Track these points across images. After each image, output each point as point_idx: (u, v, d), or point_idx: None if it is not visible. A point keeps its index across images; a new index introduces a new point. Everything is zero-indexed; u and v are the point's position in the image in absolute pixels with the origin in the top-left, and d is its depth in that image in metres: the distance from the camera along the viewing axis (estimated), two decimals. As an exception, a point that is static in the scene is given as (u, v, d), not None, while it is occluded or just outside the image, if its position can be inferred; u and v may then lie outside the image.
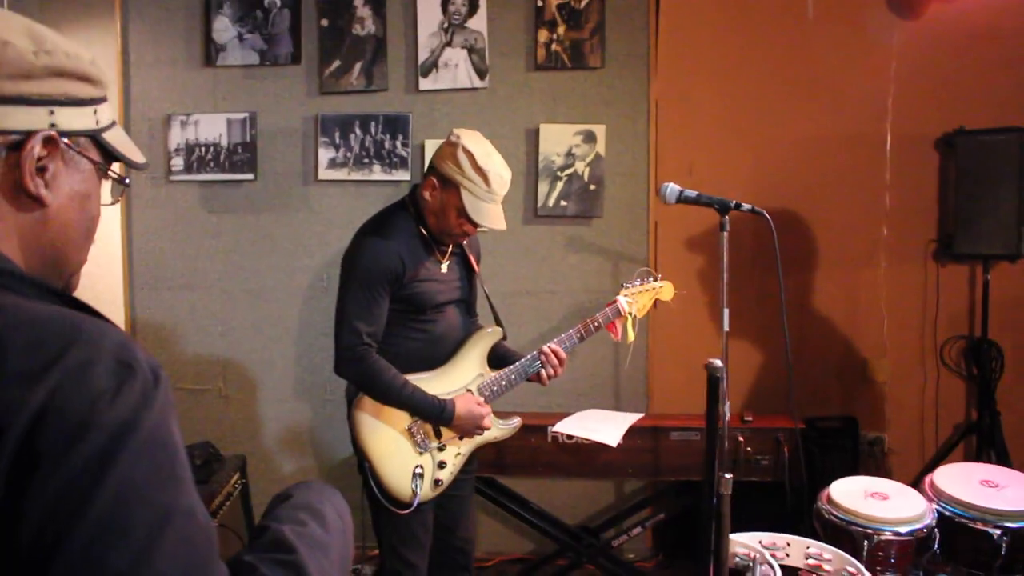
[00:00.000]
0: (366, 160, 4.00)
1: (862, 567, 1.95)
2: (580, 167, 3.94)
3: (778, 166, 4.13)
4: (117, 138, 1.11)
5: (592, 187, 3.95)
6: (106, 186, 1.14)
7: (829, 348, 4.23)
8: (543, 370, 2.82)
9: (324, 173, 4.01)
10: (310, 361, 4.12)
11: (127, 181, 1.15)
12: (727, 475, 2.75)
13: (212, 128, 4.02)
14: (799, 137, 4.13)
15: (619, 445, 3.26)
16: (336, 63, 3.98)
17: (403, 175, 3.97)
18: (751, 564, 2.03)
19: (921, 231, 4.20)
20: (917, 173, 4.17)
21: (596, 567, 3.87)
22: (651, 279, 3.03)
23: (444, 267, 2.75)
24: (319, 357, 4.09)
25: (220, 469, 3.78)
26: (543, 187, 3.95)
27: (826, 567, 2.05)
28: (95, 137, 1.07)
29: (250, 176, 4.04)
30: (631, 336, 2.94)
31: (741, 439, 3.49)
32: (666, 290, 3.03)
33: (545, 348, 2.82)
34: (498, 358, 2.88)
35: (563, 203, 3.96)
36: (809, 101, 4.12)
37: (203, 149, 4.03)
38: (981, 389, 4.16)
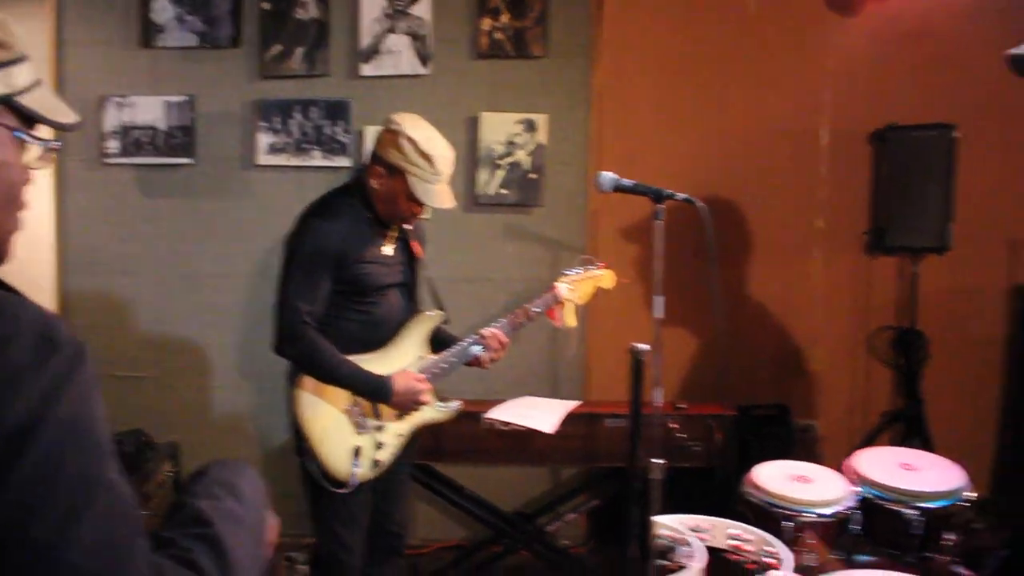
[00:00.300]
0: (306, 146, 3.97)
1: (781, 546, 2.00)
2: (521, 156, 3.96)
3: (718, 158, 4.19)
4: (40, 100, 1.08)
5: (532, 176, 3.97)
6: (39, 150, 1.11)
7: (764, 337, 4.31)
8: (484, 353, 2.83)
9: (264, 158, 3.98)
10: (251, 347, 4.08)
11: (54, 144, 1.13)
12: (658, 460, 2.82)
13: (149, 111, 3.96)
14: (739, 130, 4.20)
15: (554, 432, 3.28)
16: (277, 47, 3.94)
17: (344, 161, 3.95)
18: (673, 545, 2.08)
19: (854, 223, 4.30)
20: (851, 167, 4.27)
21: (531, 553, 3.91)
22: (592, 267, 3.05)
23: (389, 250, 2.77)
24: (260, 343, 4.00)
25: (152, 457, 3.74)
26: (483, 175, 3.97)
27: (747, 547, 2.11)
28: (7, 101, 1.05)
29: (188, 160, 3.98)
30: (572, 322, 2.98)
31: (674, 426, 3.54)
32: (607, 278, 3.06)
33: (485, 331, 2.84)
34: (440, 342, 2.89)
35: (503, 191, 3.98)
36: (749, 94, 4.19)
37: (140, 132, 3.97)
38: (908, 378, 4.28)
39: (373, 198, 2.69)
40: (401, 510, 3.00)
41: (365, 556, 2.91)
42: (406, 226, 2.83)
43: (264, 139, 3.96)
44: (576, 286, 2.97)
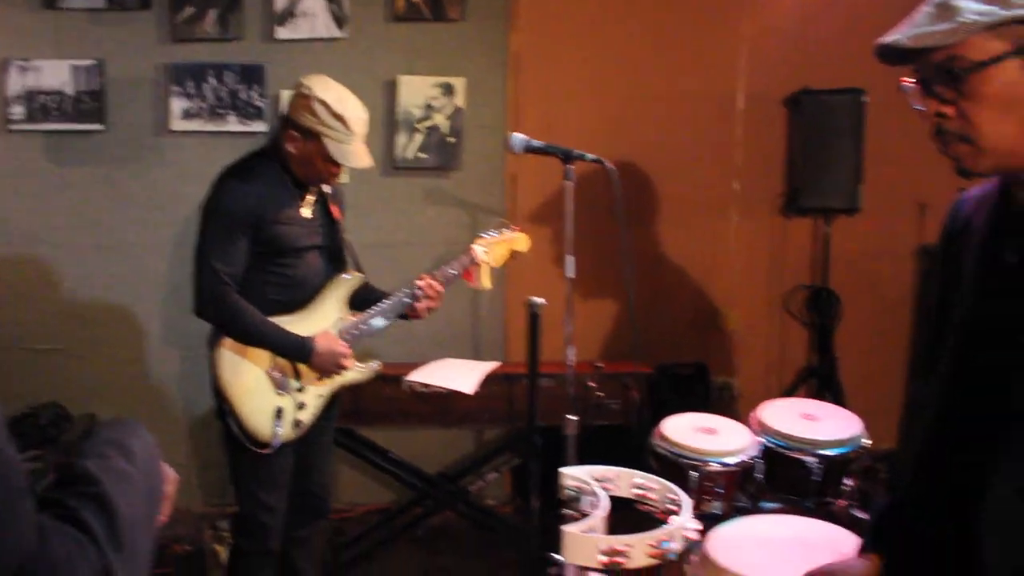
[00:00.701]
0: (221, 111, 3.91)
1: (682, 493, 2.06)
2: (439, 119, 3.96)
3: (636, 121, 4.24)
4: None
5: (451, 140, 3.98)
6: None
7: (682, 298, 4.40)
8: (419, 303, 2.84)
9: (178, 124, 3.90)
10: (172, 316, 4.03)
11: None
12: (572, 416, 2.87)
13: (55, 75, 3.84)
14: (657, 93, 4.25)
15: (475, 393, 3.31)
16: (189, 9, 3.85)
17: (260, 126, 3.90)
18: (579, 495, 2.13)
19: (769, 186, 4.40)
20: (766, 130, 4.36)
21: (456, 513, 3.96)
22: (507, 230, 3.08)
23: (307, 212, 2.77)
24: (180, 311, 3.96)
25: (68, 430, 3.68)
26: (401, 139, 3.96)
27: (651, 496, 2.17)
28: None
29: (99, 126, 3.89)
30: (487, 284, 3.00)
31: (592, 384, 3.60)
32: (521, 241, 3.09)
33: (420, 282, 2.84)
34: (366, 302, 2.90)
35: (421, 155, 3.98)
36: (667, 58, 4.24)
37: (46, 97, 3.85)
38: (821, 336, 4.42)
39: (290, 161, 2.69)
40: (323, 472, 3.01)
41: (288, 518, 2.92)
42: (325, 188, 2.83)
43: (178, 104, 3.88)
44: (491, 249, 3.00)
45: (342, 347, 2.75)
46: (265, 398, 2.69)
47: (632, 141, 4.22)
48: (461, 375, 3.42)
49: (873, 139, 4.08)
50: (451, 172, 4.03)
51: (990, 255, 1.43)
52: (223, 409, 2.68)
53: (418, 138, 3.97)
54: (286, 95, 3.80)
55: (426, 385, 3.57)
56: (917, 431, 1.53)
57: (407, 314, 2.86)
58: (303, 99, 2.63)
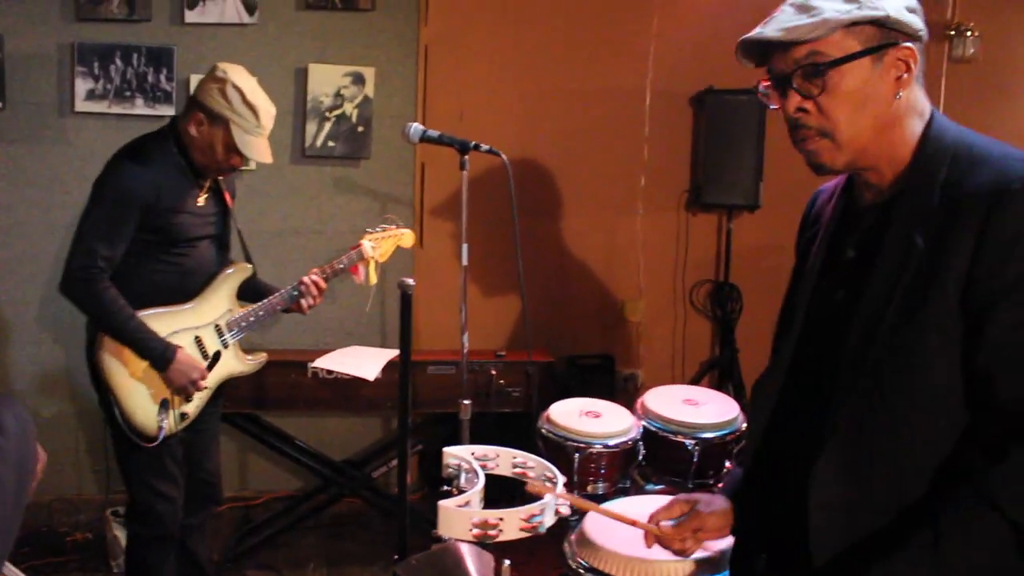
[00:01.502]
0: (128, 93, 3.86)
1: (557, 471, 2.13)
2: (348, 108, 3.98)
3: (546, 115, 4.31)
4: None
5: (360, 129, 4.00)
6: None
7: (589, 290, 4.50)
8: (303, 299, 2.87)
9: (82, 105, 3.84)
10: (65, 300, 3.95)
11: None
12: (465, 401, 2.93)
13: (-49, 50, 3.75)
14: (566, 88, 4.33)
15: (378, 380, 3.34)
16: (95, -12, 3.80)
17: (167, 110, 3.86)
18: (459, 472, 2.18)
19: (675, 182, 4.52)
20: (673, 128, 4.47)
21: (361, 500, 3.99)
22: (394, 226, 3.13)
23: (201, 201, 2.75)
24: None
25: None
26: (311, 127, 3.97)
27: (530, 474, 2.23)
28: None
29: (-3, 103, 3.80)
30: (373, 279, 3.04)
31: (494, 372, 3.68)
32: (407, 238, 3.16)
33: (305, 279, 2.87)
34: (256, 293, 2.91)
35: (331, 144, 3.99)
36: (577, 53, 4.31)
37: (-58, 72, 3.76)
38: (723, 328, 4.56)
39: (190, 146, 2.66)
40: (212, 459, 3.02)
41: (184, 507, 2.91)
42: (220, 177, 2.82)
43: (82, 85, 3.83)
44: (379, 244, 3.05)
45: (200, 370, 2.72)
46: (150, 391, 2.67)
47: (542, 134, 4.30)
48: (364, 362, 3.46)
49: (773, 138, 4.23)
50: (360, 161, 4.05)
51: (833, 249, 1.53)
52: (107, 401, 2.66)
53: (327, 126, 3.98)
54: (195, 79, 3.79)
55: (330, 372, 3.60)
56: (763, 411, 1.62)
57: (290, 308, 2.89)
58: (216, 83, 2.62)
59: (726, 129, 4.30)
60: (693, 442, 2.63)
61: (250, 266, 2.90)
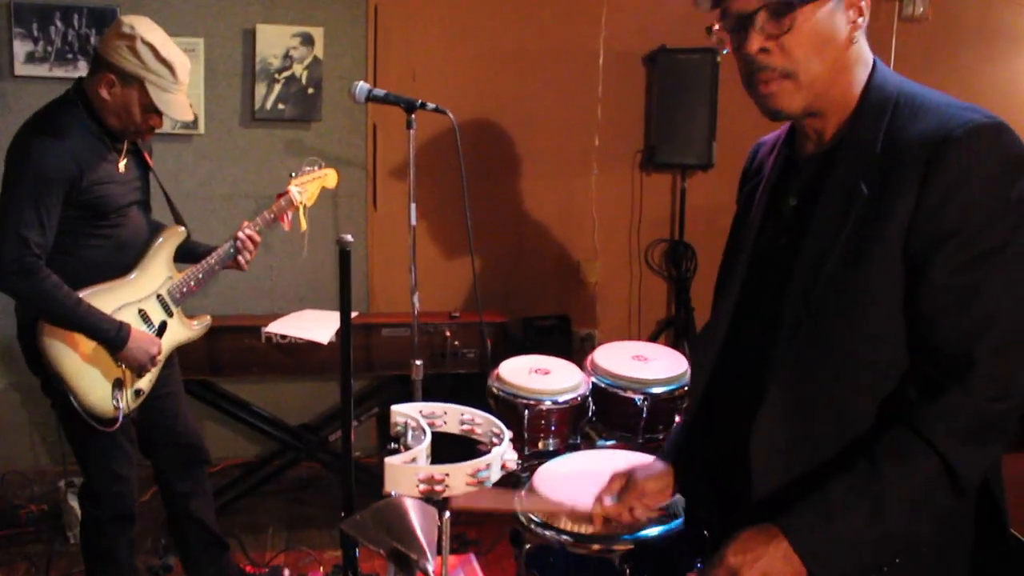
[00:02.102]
0: (70, 56, 3.78)
1: (504, 427, 2.15)
2: (298, 70, 3.92)
3: (499, 76, 4.29)
4: None
5: (310, 91, 3.95)
6: None
7: (545, 251, 4.51)
8: (240, 255, 2.80)
9: (21, 68, 3.75)
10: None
11: None
12: (417, 362, 2.94)
13: None
14: (519, 48, 4.30)
15: (332, 343, 3.34)
16: (32, -53, 3.70)
17: (111, 73, 3.78)
18: (407, 430, 2.19)
19: (629, 142, 4.52)
20: (626, 87, 4.47)
21: (318, 463, 4.00)
22: (316, 167, 3.04)
23: (121, 166, 2.60)
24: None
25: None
26: (260, 90, 3.91)
27: (477, 430, 2.25)
28: None
29: (-71, 67, 3.70)
30: (304, 225, 2.97)
31: (448, 334, 3.69)
32: (330, 177, 3.08)
33: (240, 235, 2.79)
34: (190, 255, 2.82)
35: (281, 106, 3.94)
36: (530, 12, 4.28)
37: None
38: (678, 287, 4.60)
39: (102, 110, 2.49)
40: (184, 420, 2.92)
41: (171, 473, 2.91)
42: (142, 139, 2.68)
43: (21, 47, 3.73)
44: (305, 188, 2.96)
45: (156, 344, 2.64)
46: (102, 372, 2.56)
47: (495, 95, 4.28)
48: (318, 326, 3.45)
49: (726, 98, 4.24)
50: (311, 123, 4.00)
51: (775, 198, 1.54)
52: (57, 389, 2.52)
53: (277, 88, 3.93)
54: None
55: (284, 336, 3.59)
56: (705, 361, 1.64)
57: (228, 265, 2.81)
58: (124, 39, 2.44)
59: (679, 88, 4.30)
60: (642, 397, 2.66)
61: (183, 229, 2.78)
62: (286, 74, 3.92)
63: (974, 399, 1.27)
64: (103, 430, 2.57)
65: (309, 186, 2.98)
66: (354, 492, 2.06)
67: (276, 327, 3.50)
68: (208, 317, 2.89)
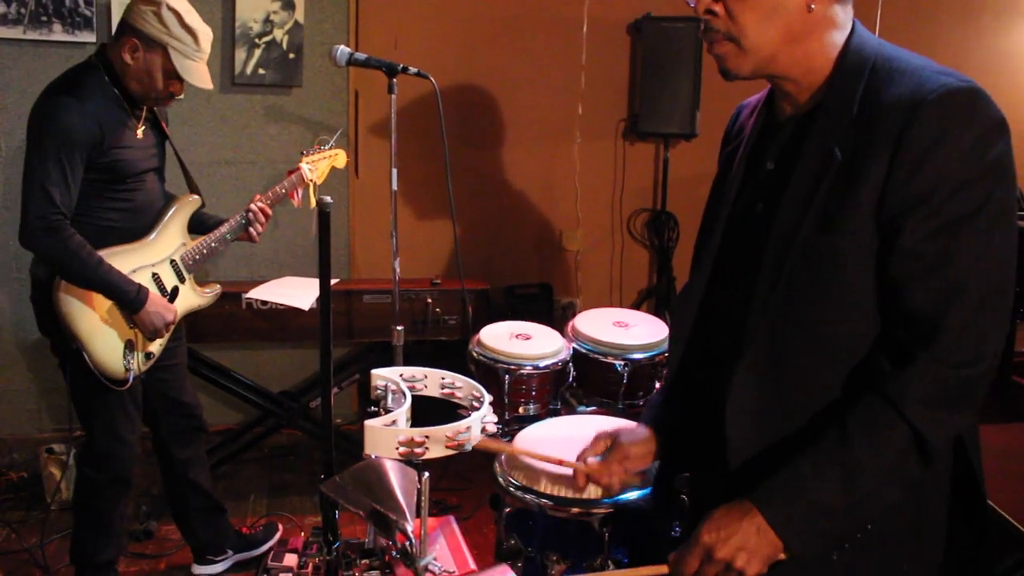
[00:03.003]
0: (44, 18, 3.71)
1: (484, 391, 2.15)
2: (278, 34, 3.88)
3: (483, 42, 4.26)
4: None
5: (291, 56, 3.90)
6: None
7: (527, 219, 4.50)
8: (252, 227, 2.85)
9: (-5, 30, 3.69)
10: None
11: None
12: (398, 327, 2.95)
13: None
14: (503, 15, 4.27)
15: (312, 309, 3.34)
16: (5, -95, 3.62)
17: (88, 36, 3.72)
18: (386, 393, 2.20)
19: (612, 111, 4.51)
20: (610, 56, 4.45)
21: (300, 431, 4.00)
22: (327, 147, 3.10)
23: (140, 133, 2.66)
24: (4, 233, 3.84)
25: None
26: (240, 55, 3.86)
27: (458, 394, 2.25)
28: None
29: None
30: (312, 202, 3.00)
31: (430, 300, 3.69)
32: (340, 157, 3.13)
33: (253, 207, 2.85)
34: (200, 225, 2.87)
35: (261, 72, 3.90)
36: (514, -21, 4.25)
37: None
38: (660, 257, 4.61)
39: (124, 75, 2.56)
40: (187, 391, 3.00)
41: (170, 441, 2.96)
42: (161, 106, 2.74)
43: (-6, 9, 3.67)
44: (315, 166, 3.03)
45: (171, 313, 2.70)
46: (115, 333, 2.62)
47: (479, 62, 4.25)
48: (299, 292, 3.45)
49: (710, 67, 4.20)
50: (292, 89, 3.96)
51: (753, 162, 1.54)
52: (70, 348, 2.57)
53: (257, 53, 3.88)
54: (116, 4, 3.66)
55: (265, 302, 3.59)
56: (683, 325, 1.65)
57: (239, 237, 2.87)
58: (150, 5, 2.50)
59: (663, 57, 4.28)
60: (623, 363, 2.67)
61: (197, 197, 2.85)
62: (266, 39, 3.87)
63: (944, 366, 1.28)
64: (115, 389, 2.62)
65: (320, 164, 3.03)
66: (334, 457, 2.07)
67: (257, 293, 3.50)
68: (218, 286, 2.94)
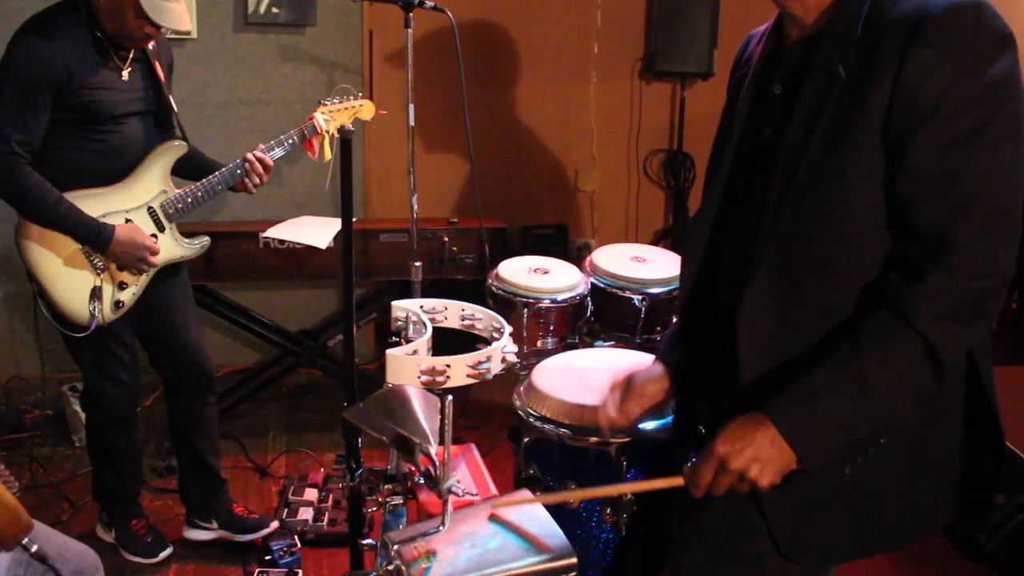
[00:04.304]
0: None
1: (504, 322, 2.18)
2: (291, -29, 3.84)
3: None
4: None
5: (305, -7, 3.87)
6: None
7: (542, 160, 4.49)
8: (248, 178, 2.72)
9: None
10: None
11: None
12: (416, 263, 2.96)
13: None
14: (519, -48, 4.22)
15: (330, 248, 3.34)
16: None
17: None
18: (407, 324, 2.23)
19: (628, 50, 4.46)
20: (627, -6, 4.39)
21: (318, 369, 4.04)
22: (351, 97, 2.95)
23: (125, 75, 2.56)
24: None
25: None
26: (253, -8, 3.83)
27: (478, 325, 2.28)
28: None
29: None
30: (328, 155, 2.87)
31: (446, 239, 3.69)
32: (366, 109, 2.99)
33: (249, 156, 2.71)
34: (201, 170, 2.74)
35: (275, 10, 3.86)
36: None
37: None
38: (676, 197, 4.60)
39: (99, 13, 2.45)
40: (186, 337, 2.85)
41: (173, 392, 2.90)
42: (149, 47, 2.61)
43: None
44: (334, 117, 2.88)
45: (148, 241, 2.59)
46: (79, 279, 2.55)
47: (494, 1, 4.20)
48: (316, 231, 3.45)
49: (728, 5, 4.17)
50: (306, 28, 3.92)
51: (761, 86, 1.54)
52: (36, 290, 2.55)
53: (270, -9, 3.84)
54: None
55: (282, 241, 3.60)
56: (694, 250, 1.65)
57: (235, 187, 2.74)
58: None
59: (681, -5, 4.23)
60: (640, 297, 2.68)
61: (181, 143, 2.71)
62: (279, -24, 3.83)
63: (955, 279, 1.28)
64: (70, 335, 2.57)
65: (339, 115, 2.87)
66: (356, 385, 2.10)
67: (274, 232, 3.50)
68: (207, 238, 2.79)
